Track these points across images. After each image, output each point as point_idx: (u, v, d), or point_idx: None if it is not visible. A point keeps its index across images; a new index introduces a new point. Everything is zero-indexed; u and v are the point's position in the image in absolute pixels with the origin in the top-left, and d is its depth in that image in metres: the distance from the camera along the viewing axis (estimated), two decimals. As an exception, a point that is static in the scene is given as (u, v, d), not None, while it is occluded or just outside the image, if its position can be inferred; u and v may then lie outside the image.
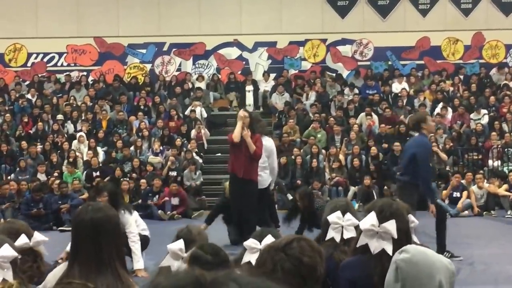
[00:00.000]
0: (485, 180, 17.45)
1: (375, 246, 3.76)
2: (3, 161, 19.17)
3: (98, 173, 18.20)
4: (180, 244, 4.00)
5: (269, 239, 4.16)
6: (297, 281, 2.70)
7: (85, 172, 18.56)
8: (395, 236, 3.74)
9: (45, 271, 4.14)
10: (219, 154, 20.55)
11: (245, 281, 1.61)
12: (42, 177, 17.88)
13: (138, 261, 9.13)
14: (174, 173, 18.45)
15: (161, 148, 19.49)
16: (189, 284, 1.57)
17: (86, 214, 3.45)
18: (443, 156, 18.60)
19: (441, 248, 9.58)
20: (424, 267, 2.66)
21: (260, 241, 4.17)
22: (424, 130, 9.93)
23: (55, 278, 3.54)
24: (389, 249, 3.71)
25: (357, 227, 4.57)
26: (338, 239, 4.56)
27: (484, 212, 16.41)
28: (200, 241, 4.14)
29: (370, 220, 3.80)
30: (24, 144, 19.47)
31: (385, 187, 17.84)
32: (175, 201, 17.03)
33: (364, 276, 3.75)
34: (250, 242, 4.08)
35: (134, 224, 9.36)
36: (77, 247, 3.44)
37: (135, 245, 9.19)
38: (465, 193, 16.69)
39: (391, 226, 3.76)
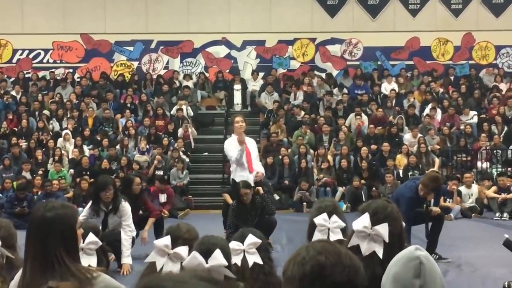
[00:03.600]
0: (474, 182, 17.40)
1: (366, 248, 3.70)
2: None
3: (87, 172, 17.96)
4: (166, 240, 3.94)
5: (250, 239, 4.05)
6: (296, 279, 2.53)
7: (71, 170, 18.36)
8: (387, 239, 3.68)
9: (21, 265, 4.03)
10: (206, 154, 20.43)
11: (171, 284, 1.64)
12: (27, 175, 17.66)
13: (127, 256, 9.11)
14: (160, 172, 18.27)
15: (147, 146, 19.30)
16: None
17: (37, 213, 3.40)
18: (437, 165, 18.45)
19: (429, 251, 9.52)
20: (436, 264, 2.66)
21: (242, 242, 4.08)
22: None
23: (18, 277, 3.49)
24: (380, 252, 3.65)
25: (343, 229, 4.62)
26: None
27: (473, 214, 16.31)
28: (189, 238, 4.03)
29: (363, 222, 3.73)
30: (14, 140, 19.20)
31: (374, 188, 17.74)
32: (162, 197, 16.87)
33: None
34: (233, 244, 4.06)
35: (131, 218, 9.42)
36: (27, 245, 3.39)
37: (129, 240, 9.21)
38: (456, 199, 16.56)
39: (383, 229, 3.69)
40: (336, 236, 4.54)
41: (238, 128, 10.74)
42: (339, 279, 2.47)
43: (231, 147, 10.88)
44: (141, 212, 10.66)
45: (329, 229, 4.60)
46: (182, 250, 3.89)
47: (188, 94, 22.02)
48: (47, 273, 3.25)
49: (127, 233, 9.24)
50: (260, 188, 10.63)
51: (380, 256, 3.63)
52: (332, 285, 2.48)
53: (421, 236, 10.23)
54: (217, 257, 3.58)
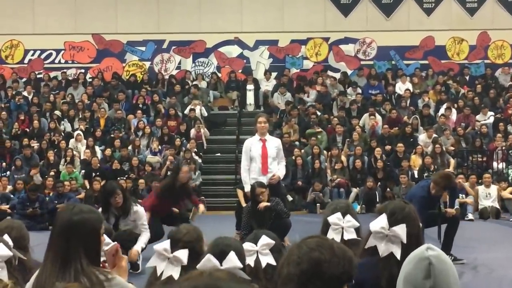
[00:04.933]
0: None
1: (383, 249, 3.72)
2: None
3: (98, 173, 17.87)
4: (165, 244, 3.96)
5: (263, 240, 4.14)
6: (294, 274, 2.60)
7: (83, 171, 18.29)
8: (404, 240, 3.69)
9: (33, 267, 4.17)
10: (219, 154, 20.33)
11: None
12: (36, 177, 17.61)
13: (139, 246, 9.26)
14: (172, 173, 18.14)
15: (159, 147, 19.20)
16: None
17: (64, 214, 3.51)
18: (453, 166, 18.25)
19: (444, 252, 9.38)
20: (451, 265, 2.62)
21: (255, 243, 4.17)
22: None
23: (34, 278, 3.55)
24: (397, 253, 3.67)
25: (357, 229, 4.70)
26: (338, 240, 4.58)
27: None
28: (189, 240, 3.98)
29: (380, 223, 3.73)
30: (25, 141, 19.19)
31: (388, 189, 17.56)
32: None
33: (372, 278, 3.71)
34: (247, 245, 4.08)
35: (146, 219, 9.59)
36: (50, 244, 3.49)
37: (146, 234, 9.33)
38: (469, 190, 16.40)
39: (401, 230, 3.70)
40: (350, 235, 4.60)
41: (260, 128, 10.98)
42: (336, 272, 2.57)
43: (246, 149, 11.01)
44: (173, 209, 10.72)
45: (343, 228, 4.65)
46: (182, 253, 3.89)
47: (196, 93, 21.81)
48: (65, 274, 3.32)
49: (143, 230, 9.36)
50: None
51: (398, 257, 3.64)
52: (330, 279, 2.57)
53: (435, 237, 10.11)
54: (232, 259, 3.58)
